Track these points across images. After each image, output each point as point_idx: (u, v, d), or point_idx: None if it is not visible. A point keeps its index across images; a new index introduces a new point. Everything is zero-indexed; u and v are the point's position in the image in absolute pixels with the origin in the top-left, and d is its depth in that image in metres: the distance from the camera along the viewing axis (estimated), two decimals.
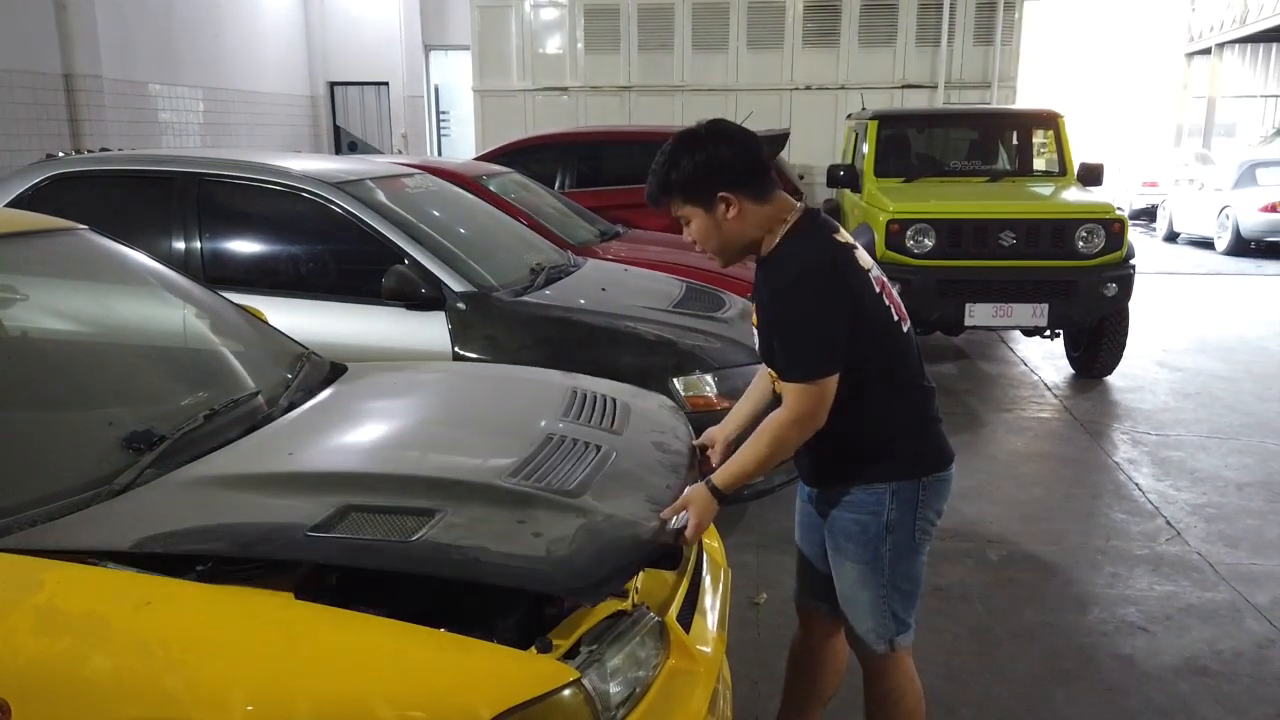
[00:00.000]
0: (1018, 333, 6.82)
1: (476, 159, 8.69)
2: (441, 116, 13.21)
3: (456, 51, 12.31)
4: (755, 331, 2.10)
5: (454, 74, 12.78)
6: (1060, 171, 6.96)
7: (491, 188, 6.26)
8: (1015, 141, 7.31)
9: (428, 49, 12.43)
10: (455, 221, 4.63)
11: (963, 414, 5.63)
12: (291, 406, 2.44)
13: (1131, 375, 6.47)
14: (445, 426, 2.37)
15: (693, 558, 2.31)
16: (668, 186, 1.93)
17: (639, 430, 2.37)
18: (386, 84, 12.43)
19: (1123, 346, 6.25)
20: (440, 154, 13.10)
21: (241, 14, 10.82)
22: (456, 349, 3.87)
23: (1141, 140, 24.03)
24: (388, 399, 2.64)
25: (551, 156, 8.65)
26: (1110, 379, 6.39)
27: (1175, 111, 22.60)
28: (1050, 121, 7.08)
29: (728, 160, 1.91)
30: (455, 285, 3.92)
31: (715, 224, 1.93)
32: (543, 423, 2.33)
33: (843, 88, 10.90)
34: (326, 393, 2.56)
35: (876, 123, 7.13)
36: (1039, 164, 7.34)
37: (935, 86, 10.84)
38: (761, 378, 2.27)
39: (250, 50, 11.02)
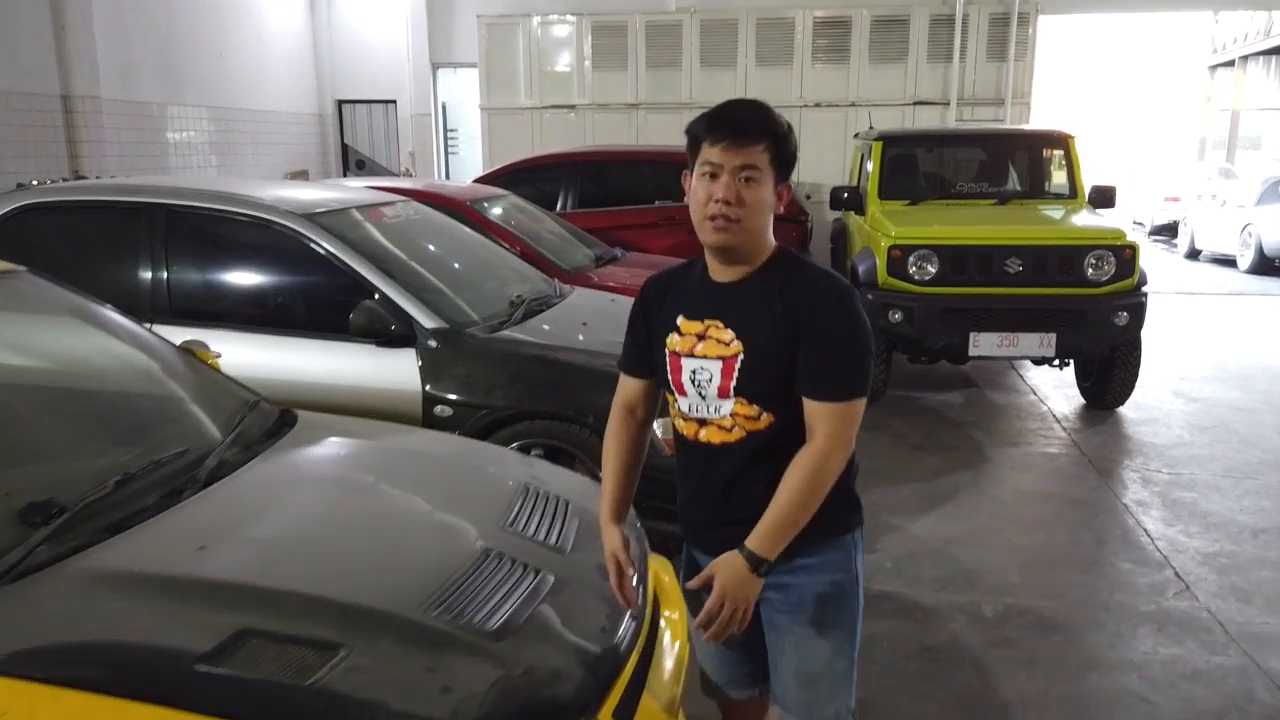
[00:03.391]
0: (1028, 360, 6.60)
1: (478, 180, 8.58)
2: (449, 134, 13.12)
3: (465, 69, 12.23)
4: (700, 363, 1.79)
5: (462, 91, 12.71)
6: (1071, 194, 6.74)
7: (484, 212, 6.13)
8: (1025, 162, 7.09)
9: (435, 67, 12.35)
10: (435, 252, 4.50)
11: (968, 448, 5.42)
12: (221, 467, 2.30)
13: (1145, 406, 6.24)
14: (374, 527, 2.19)
15: (645, 623, 2.14)
16: (776, 133, 1.72)
17: (587, 548, 2.18)
18: (394, 102, 12.36)
19: (1135, 377, 6.02)
20: (448, 171, 13.01)
21: (247, 33, 10.79)
22: (427, 388, 3.73)
23: (1163, 153, 23.66)
24: (322, 478, 2.47)
25: (554, 176, 8.52)
26: (1122, 410, 6.16)
27: (1198, 124, 22.23)
28: (1061, 142, 6.86)
29: (793, 158, 1.81)
30: (426, 321, 3.78)
31: (769, 200, 1.75)
32: (481, 533, 2.15)
33: (853, 105, 10.70)
34: (259, 460, 2.40)
35: (881, 143, 6.94)
36: (1051, 184, 7.12)
37: (948, 103, 10.63)
38: (619, 422, 1.98)
39: (257, 69, 10.98)
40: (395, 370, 3.76)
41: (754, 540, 1.71)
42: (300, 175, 11.60)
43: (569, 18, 11.42)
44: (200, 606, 1.72)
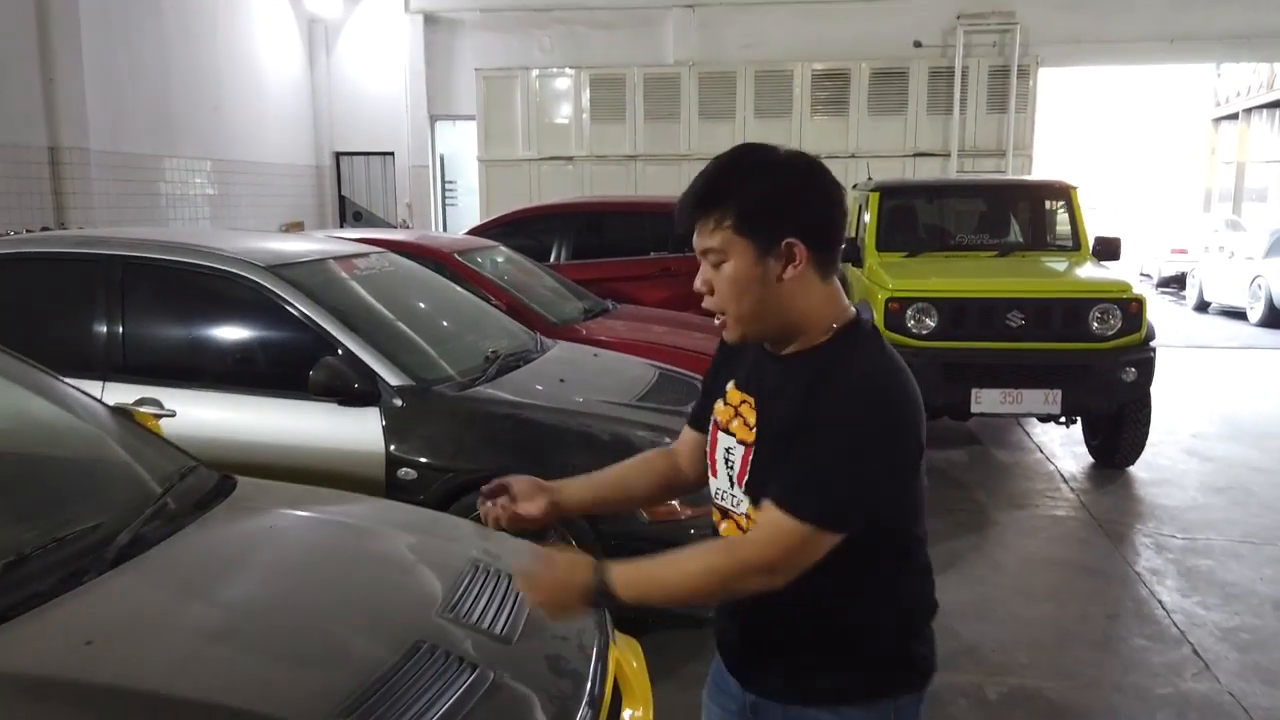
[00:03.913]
0: (1033, 417, 6.36)
1: (471, 231, 8.47)
2: (448, 186, 13.08)
3: (463, 121, 12.21)
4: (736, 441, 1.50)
5: (460, 143, 12.68)
6: (1074, 246, 6.56)
7: (469, 264, 5.96)
8: (1026, 213, 6.92)
9: (434, 119, 12.35)
10: (407, 306, 4.31)
11: (971, 510, 5.16)
12: (135, 544, 2.07)
13: (1157, 465, 5.98)
14: (295, 617, 1.95)
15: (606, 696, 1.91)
16: (720, 197, 1.39)
17: (538, 636, 1.96)
18: (392, 154, 12.34)
19: (1145, 436, 5.77)
20: (445, 223, 12.94)
21: (244, 85, 10.79)
22: (390, 449, 3.51)
23: (1169, 206, 23.58)
24: (244, 558, 2.23)
25: (548, 227, 8.39)
26: (1133, 470, 5.90)
27: (1203, 177, 22.17)
28: (1063, 193, 6.69)
29: (816, 203, 1.40)
30: (391, 378, 3.57)
31: (762, 277, 1.38)
32: (415, 621, 1.92)
33: (853, 156, 10.61)
34: (180, 535, 2.18)
35: (878, 194, 6.79)
36: (1053, 235, 6.94)
37: (948, 155, 10.53)
38: (658, 450, 1.76)
39: (253, 121, 10.97)
40: (357, 430, 3.54)
41: (618, 568, 1.43)
42: (295, 227, 11.51)
43: (568, 71, 11.44)
44: (71, 717, 1.50)
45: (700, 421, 1.66)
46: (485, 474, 3.45)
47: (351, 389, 3.51)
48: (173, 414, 3.61)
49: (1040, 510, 5.23)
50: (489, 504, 1.72)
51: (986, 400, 5.48)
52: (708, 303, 1.45)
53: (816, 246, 1.39)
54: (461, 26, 12.14)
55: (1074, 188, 6.66)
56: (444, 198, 13.03)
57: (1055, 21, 10.80)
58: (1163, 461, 6.07)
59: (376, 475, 3.51)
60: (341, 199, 12.77)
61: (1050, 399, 5.44)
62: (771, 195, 1.38)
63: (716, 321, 1.47)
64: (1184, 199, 23.77)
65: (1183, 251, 16.46)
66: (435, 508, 3.44)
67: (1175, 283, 16.24)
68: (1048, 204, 6.86)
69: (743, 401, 1.49)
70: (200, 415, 3.63)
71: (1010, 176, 9.56)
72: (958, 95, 10.36)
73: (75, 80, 7.82)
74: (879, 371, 1.39)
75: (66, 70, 7.75)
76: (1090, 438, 6.09)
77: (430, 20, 12.12)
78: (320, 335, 3.63)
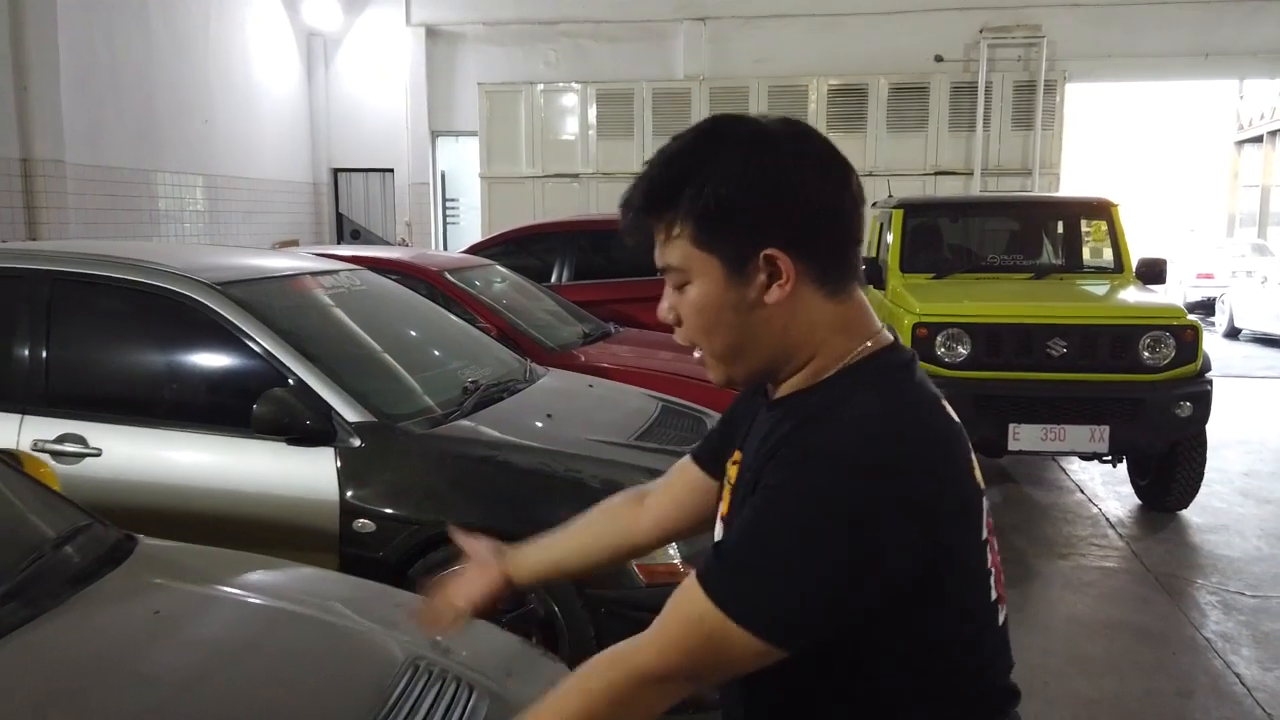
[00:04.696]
0: (1075, 455, 5.82)
1: (469, 249, 8.05)
2: (449, 204, 12.67)
3: (466, 137, 11.82)
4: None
5: (462, 160, 12.28)
6: (1116, 268, 6.05)
7: (459, 284, 5.50)
8: (1062, 233, 6.42)
9: (435, 135, 11.96)
10: (379, 330, 3.83)
11: (1011, 559, 4.62)
12: None
13: (1211, 509, 5.43)
14: None
15: None
16: (670, 195, 1.01)
17: None
18: (391, 170, 11.94)
19: (1200, 477, 5.23)
20: (446, 241, 12.52)
21: (236, 98, 10.41)
22: (346, 496, 3.02)
23: (1193, 229, 23.06)
24: (110, 654, 1.74)
25: (549, 246, 7.96)
26: (1185, 514, 5.35)
27: (1227, 200, 21.65)
28: (1103, 210, 6.19)
29: (807, 192, 1.00)
30: (348, 414, 3.09)
31: (736, 302, 1.02)
32: None
33: (871, 174, 10.13)
34: (42, 620, 1.70)
35: (902, 211, 6.30)
36: (1092, 256, 6.45)
37: (971, 173, 10.06)
38: (627, 494, 1.43)
39: (246, 135, 10.58)
40: (308, 474, 3.06)
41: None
42: (290, 244, 11.11)
43: (574, 85, 11.05)
44: None
45: (711, 460, 1.28)
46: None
47: (302, 425, 3.03)
48: (98, 453, 3.17)
49: (1087, 560, 4.69)
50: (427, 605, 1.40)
51: (1026, 437, 4.95)
52: (678, 335, 1.09)
53: (810, 255, 1.01)
54: (464, 40, 11.76)
55: (1115, 205, 6.16)
56: (445, 215, 12.62)
57: (1083, 35, 10.34)
58: (1217, 504, 5.52)
59: (329, 526, 3.02)
60: (339, 216, 12.37)
61: (1097, 436, 4.91)
62: (738, 189, 0.99)
63: (695, 355, 1.09)
64: (1207, 223, 23.24)
65: (1209, 276, 15.98)
66: (396, 566, 2.99)
67: (1202, 308, 15.71)
68: (1085, 223, 6.36)
69: (735, 461, 1.14)
70: (130, 454, 3.17)
71: (1044, 194, 9.06)
72: (981, 111, 9.89)
73: (51, 90, 7.44)
74: (882, 416, 0.97)
75: (41, 79, 7.37)
76: (1138, 477, 5.55)
77: (432, 33, 11.75)
78: (270, 363, 3.16)
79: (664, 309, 1.07)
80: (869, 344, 1.03)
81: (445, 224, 12.61)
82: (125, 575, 1.99)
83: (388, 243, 11.79)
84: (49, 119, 7.43)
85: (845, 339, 1.03)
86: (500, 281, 6.17)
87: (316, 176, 12.11)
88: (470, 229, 12.30)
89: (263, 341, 3.16)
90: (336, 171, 12.28)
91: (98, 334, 3.41)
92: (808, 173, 0.99)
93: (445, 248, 12.30)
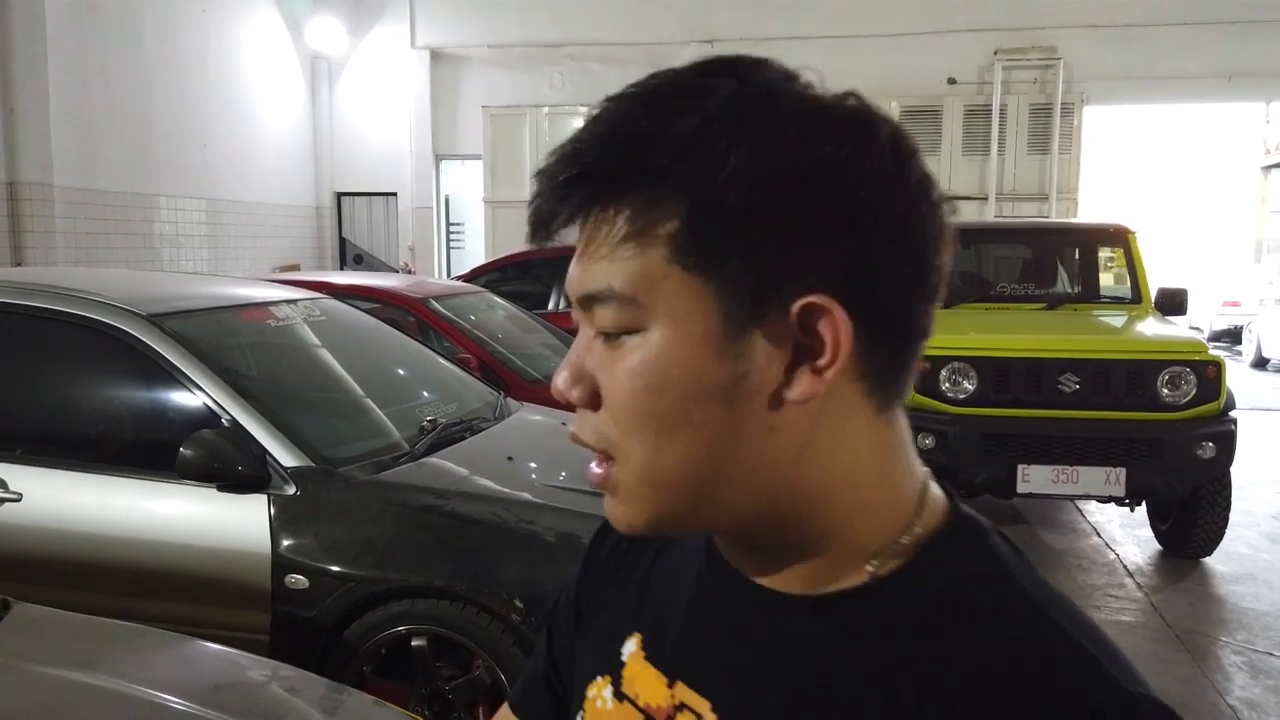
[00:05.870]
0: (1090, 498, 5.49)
1: (465, 275, 7.89)
2: (453, 228, 12.50)
3: (470, 161, 11.66)
4: None
5: (466, 184, 12.13)
6: (1134, 298, 5.73)
7: (440, 312, 5.28)
8: (1077, 261, 6.12)
9: (439, 158, 11.82)
10: (334, 365, 3.59)
11: None
12: None
13: (1236, 556, 5.08)
14: None
15: None
16: (648, 170, 0.56)
17: None
18: (395, 195, 11.79)
19: (1224, 522, 4.89)
20: (449, 267, 12.34)
21: (236, 121, 10.31)
22: (279, 548, 2.77)
23: (1217, 256, 22.60)
24: None
25: (546, 272, 7.77)
26: (1209, 561, 5.01)
27: (1253, 226, 21.19)
28: (1119, 238, 5.89)
29: (883, 208, 0.56)
30: (284, 458, 2.84)
31: (726, 383, 0.57)
32: None
33: None
34: None
35: None
36: (1108, 286, 6.14)
37: (985, 199, 9.76)
38: None
39: (247, 159, 10.47)
40: (239, 523, 2.81)
41: None
42: (291, 269, 10.97)
43: (579, 109, 10.87)
44: None
45: (529, 701, 0.81)
46: (394, 585, 2.74)
47: (233, 470, 2.79)
48: (18, 498, 2.94)
49: (1104, 614, 4.36)
50: None
51: (1036, 479, 4.64)
52: (579, 426, 0.62)
53: (873, 317, 0.57)
54: (468, 63, 11.62)
55: (1133, 233, 5.85)
56: (449, 240, 12.45)
57: (1101, 56, 10.05)
58: (1242, 550, 5.17)
59: (260, 582, 2.77)
60: (342, 241, 12.22)
61: (1112, 479, 4.59)
62: (789, 174, 0.55)
63: (595, 469, 0.62)
64: (1233, 249, 22.76)
65: (1235, 304, 15.60)
66: (330, 627, 2.74)
67: (1228, 336, 15.32)
68: (1101, 251, 6.05)
69: (679, 698, 0.65)
70: (54, 499, 2.95)
71: (1058, 220, 8.76)
72: (996, 135, 9.62)
73: (39, 112, 7.33)
74: (1102, 660, 0.55)
75: (29, 102, 7.25)
76: (1158, 521, 5.21)
77: (436, 56, 11.62)
78: (204, 401, 2.93)
79: (563, 379, 0.61)
80: (923, 508, 0.61)
81: (449, 249, 12.45)
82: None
83: (391, 268, 11.62)
84: (36, 142, 7.31)
85: (893, 495, 0.61)
86: (489, 310, 5.96)
87: (319, 200, 11.98)
88: (474, 254, 12.13)
89: (195, 378, 2.93)
90: (340, 195, 12.16)
91: (22, 369, 3.20)
92: (889, 178, 0.57)
93: (449, 273, 12.13)
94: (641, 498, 0.60)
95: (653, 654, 0.68)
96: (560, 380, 0.61)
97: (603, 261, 0.58)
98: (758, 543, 0.62)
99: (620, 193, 0.57)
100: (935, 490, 0.63)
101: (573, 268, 0.61)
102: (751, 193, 0.54)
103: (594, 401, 0.60)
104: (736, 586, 0.64)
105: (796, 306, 0.55)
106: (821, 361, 0.56)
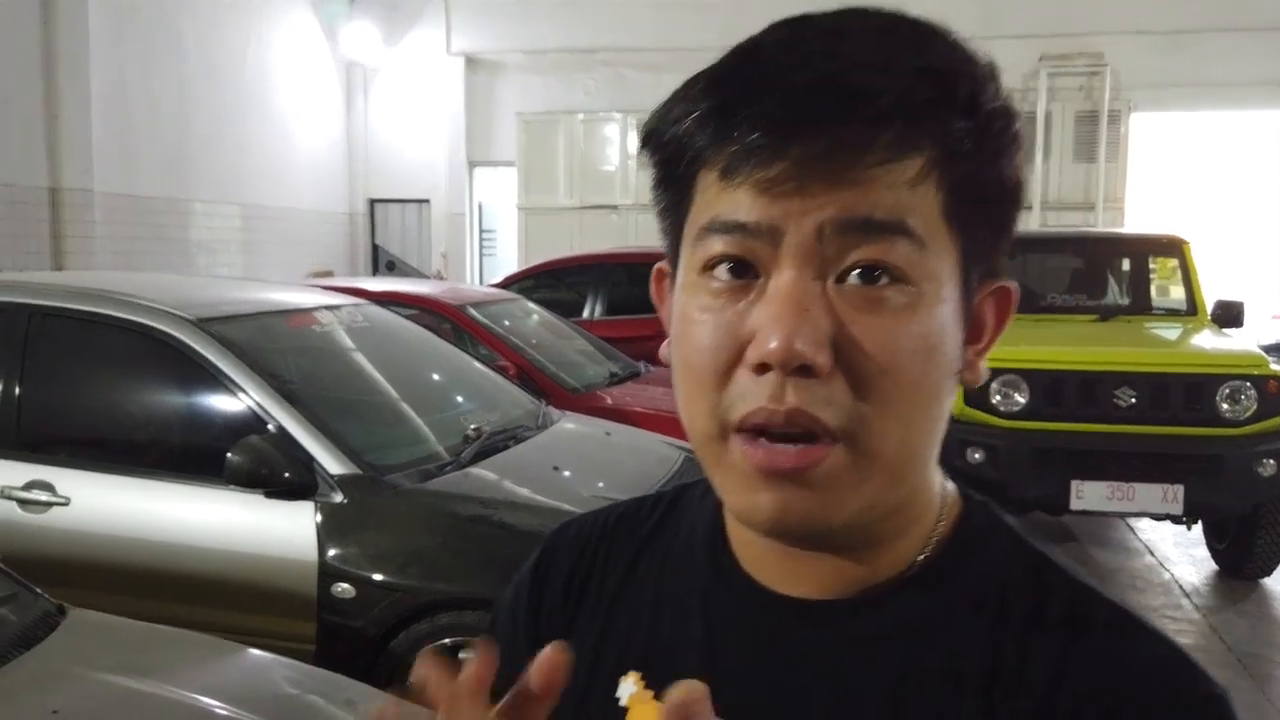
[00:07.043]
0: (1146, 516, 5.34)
1: (501, 283, 7.84)
2: (486, 235, 12.50)
3: (504, 168, 11.66)
4: None
5: (499, 191, 12.12)
6: (1189, 310, 5.58)
7: (478, 319, 5.24)
8: (1129, 271, 5.97)
9: (472, 165, 11.82)
10: (378, 371, 3.54)
11: None
12: None
13: None
14: None
15: None
16: (946, 110, 0.52)
17: None
18: (428, 201, 11.80)
19: None
20: (482, 274, 12.34)
21: (271, 130, 10.38)
22: (326, 556, 2.72)
23: (1268, 268, 22.18)
24: None
25: (582, 280, 7.71)
26: (1269, 583, 4.85)
27: None
28: (1173, 248, 5.74)
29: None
30: (332, 465, 2.79)
31: (934, 342, 0.53)
32: None
33: None
34: None
35: None
36: (1162, 297, 5.99)
37: (1030, 208, 9.60)
38: None
39: (281, 166, 10.54)
40: (286, 531, 2.77)
41: None
42: (324, 275, 11.01)
43: (614, 115, 10.84)
44: None
45: None
46: (442, 595, 2.68)
47: (280, 477, 2.74)
48: (66, 501, 2.92)
49: None
50: None
51: (1090, 495, 4.50)
52: (804, 400, 0.50)
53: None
54: (503, 69, 11.62)
55: (1187, 242, 5.70)
56: (481, 247, 12.45)
57: (1148, 63, 9.86)
58: None
59: (306, 590, 2.72)
60: (375, 247, 12.26)
61: (1170, 496, 4.45)
62: (996, 144, 0.55)
63: (788, 452, 0.51)
64: None
65: None
66: (377, 638, 2.68)
67: (1276, 351, 14.99)
68: (1154, 261, 5.91)
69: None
70: (101, 504, 2.93)
71: (1108, 229, 8.59)
72: (1040, 143, 9.45)
73: (81, 118, 7.40)
74: (1157, 650, 0.57)
75: (71, 108, 7.34)
76: (1216, 541, 5.05)
77: (471, 63, 11.63)
78: (250, 407, 2.89)
79: (807, 337, 0.49)
80: (949, 493, 0.62)
81: (481, 255, 12.44)
82: (39, 659, 1.72)
83: (423, 275, 11.63)
84: (78, 147, 7.38)
85: (935, 480, 0.60)
86: (526, 317, 5.91)
87: (353, 207, 12.03)
88: (507, 261, 12.13)
89: (242, 383, 2.90)
90: (373, 202, 12.19)
91: (72, 373, 3.17)
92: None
93: (481, 280, 12.13)
94: (866, 485, 0.51)
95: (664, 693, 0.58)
96: (803, 341, 0.48)
97: (887, 192, 0.50)
98: (844, 542, 0.55)
99: (920, 125, 0.51)
100: (948, 487, 0.63)
101: (817, 186, 0.49)
102: (1010, 161, 0.55)
103: (845, 359, 0.50)
104: (764, 601, 0.58)
105: (994, 287, 0.57)
106: (981, 344, 0.58)
